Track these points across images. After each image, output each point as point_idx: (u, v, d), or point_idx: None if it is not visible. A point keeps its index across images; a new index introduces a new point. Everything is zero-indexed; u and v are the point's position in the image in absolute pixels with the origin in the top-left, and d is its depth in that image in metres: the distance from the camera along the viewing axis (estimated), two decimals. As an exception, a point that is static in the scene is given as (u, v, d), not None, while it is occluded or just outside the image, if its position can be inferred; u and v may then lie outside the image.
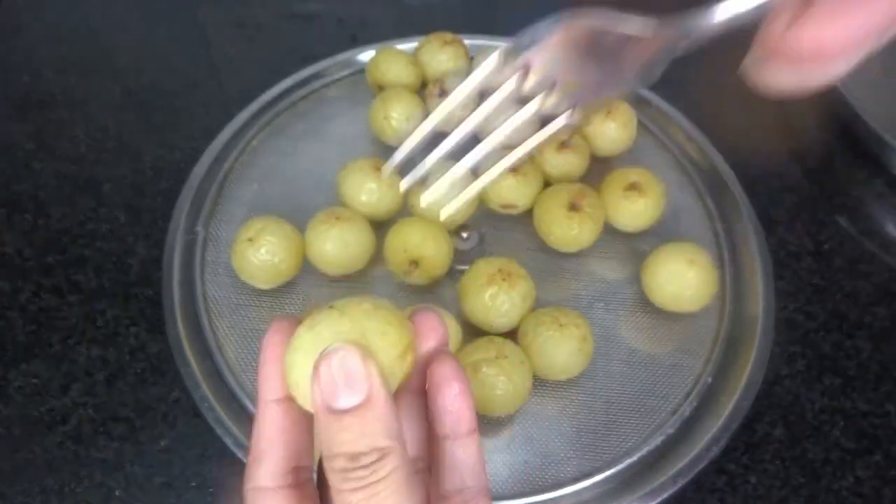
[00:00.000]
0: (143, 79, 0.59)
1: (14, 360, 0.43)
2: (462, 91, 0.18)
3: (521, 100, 0.19)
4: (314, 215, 0.44)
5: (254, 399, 0.41)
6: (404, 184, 0.19)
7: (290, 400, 0.22)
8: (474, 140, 0.19)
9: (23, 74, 0.59)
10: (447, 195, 0.20)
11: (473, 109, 0.18)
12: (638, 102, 0.55)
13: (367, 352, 0.20)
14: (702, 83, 0.60)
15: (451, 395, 0.22)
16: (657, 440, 0.40)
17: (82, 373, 0.43)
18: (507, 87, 0.18)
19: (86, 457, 0.40)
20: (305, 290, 0.46)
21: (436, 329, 0.23)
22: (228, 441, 0.39)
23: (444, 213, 0.23)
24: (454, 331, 0.41)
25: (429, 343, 0.23)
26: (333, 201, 0.47)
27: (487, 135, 0.19)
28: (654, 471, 0.39)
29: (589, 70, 0.18)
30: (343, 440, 0.19)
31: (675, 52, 0.18)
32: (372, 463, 0.19)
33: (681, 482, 0.39)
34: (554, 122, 0.20)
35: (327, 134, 0.54)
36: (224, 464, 0.40)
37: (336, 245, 0.43)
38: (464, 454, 0.22)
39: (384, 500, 0.19)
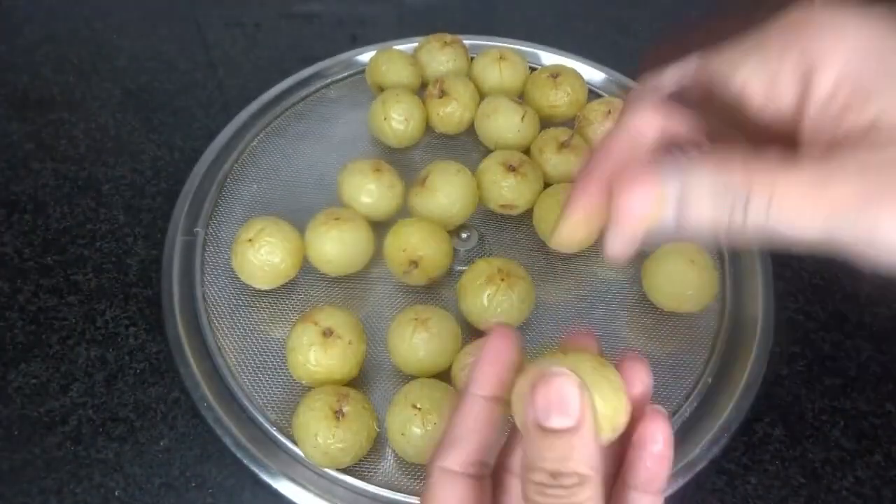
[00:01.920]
0: (143, 79, 0.59)
1: (14, 360, 0.43)
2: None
3: None
4: (314, 216, 0.44)
5: (254, 400, 0.41)
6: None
7: (495, 401, 0.23)
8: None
9: (22, 74, 0.59)
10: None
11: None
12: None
13: (584, 384, 0.21)
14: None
15: (656, 454, 0.22)
16: (657, 440, 0.40)
17: (82, 373, 0.43)
18: None
19: (85, 457, 0.40)
20: (305, 290, 0.46)
21: (643, 381, 0.24)
22: (228, 441, 0.39)
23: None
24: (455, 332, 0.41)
25: (634, 389, 0.24)
26: (333, 201, 0.47)
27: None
28: (655, 471, 0.39)
29: None
30: (547, 457, 0.20)
31: None
32: (571, 485, 0.20)
33: (681, 482, 0.39)
34: None
35: (327, 134, 0.54)
36: (224, 464, 0.40)
37: (336, 245, 0.43)
38: None
39: None
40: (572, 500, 0.20)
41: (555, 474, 0.20)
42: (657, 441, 0.22)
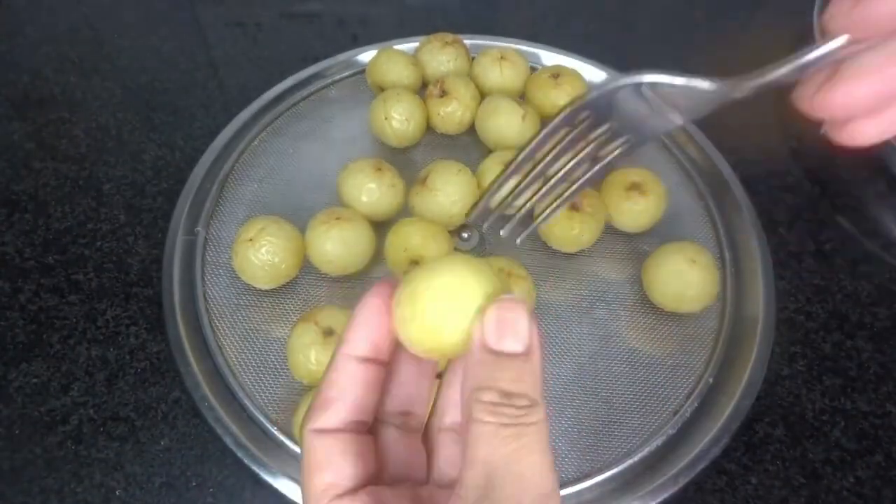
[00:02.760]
0: (143, 79, 0.59)
1: (14, 360, 0.43)
2: (534, 140, 0.20)
3: (576, 140, 0.20)
4: (314, 215, 0.44)
5: (255, 399, 0.41)
6: (503, 232, 0.21)
7: (369, 362, 0.23)
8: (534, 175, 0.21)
9: (23, 74, 0.59)
10: (520, 227, 0.21)
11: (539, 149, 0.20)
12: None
13: (531, 310, 0.21)
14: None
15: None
16: (658, 440, 0.40)
17: (82, 373, 0.43)
18: (565, 124, 0.20)
19: (86, 457, 0.40)
20: (305, 290, 0.46)
21: None
22: (228, 441, 0.39)
23: (519, 240, 0.24)
24: None
25: None
26: (333, 201, 0.47)
27: (545, 172, 0.21)
28: (655, 471, 0.39)
29: (642, 109, 0.20)
30: (499, 377, 0.20)
31: (725, 100, 0.20)
32: (524, 406, 0.19)
33: (681, 482, 0.39)
34: (611, 149, 0.21)
35: (328, 134, 0.54)
36: (225, 463, 0.40)
37: (336, 245, 0.43)
38: None
39: (529, 444, 0.19)
40: (527, 420, 0.19)
41: (507, 394, 0.19)
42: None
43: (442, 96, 0.51)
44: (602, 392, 0.42)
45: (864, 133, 0.20)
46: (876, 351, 0.45)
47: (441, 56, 0.54)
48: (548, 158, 0.21)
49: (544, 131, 0.20)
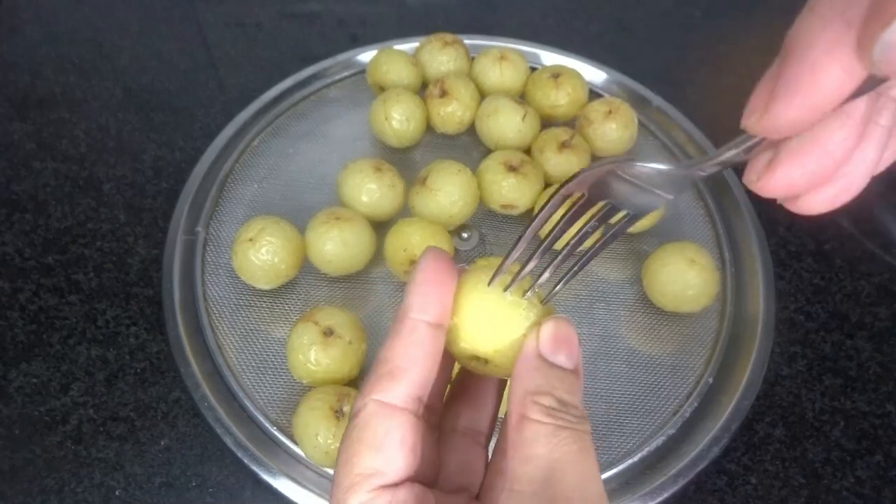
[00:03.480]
0: (143, 79, 0.59)
1: (14, 360, 0.43)
2: (533, 228, 0.23)
3: (576, 216, 0.23)
4: (314, 215, 0.44)
5: (255, 399, 0.41)
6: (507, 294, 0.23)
7: (440, 329, 0.22)
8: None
9: (23, 74, 0.59)
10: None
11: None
12: (639, 102, 0.55)
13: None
14: (702, 83, 0.60)
15: None
16: (658, 440, 0.40)
17: (82, 373, 0.43)
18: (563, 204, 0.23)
19: (86, 457, 0.40)
20: (305, 290, 0.46)
21: None
22: (228, 441, 0.39)
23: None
24: None
25: None
26: (333, 201, 0.47)
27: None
28: (655, 471, 0.39)
29: (630, 189, 0.22)
30: (555, 386, 0.20)
31: (694, 179, 0.22)
32: (577, 416, 0.20)
33: (681, 482, 0.39)
34: (615, 221, 0.24)
35: (328, 134, 0.54)
36: (224, 463, 0.40)
37: (336, 245, 0.43)
38: None
39: (585, 449, 0.20)
40: (579, 428, 0.20)
41: (563, 402, 0.20)
42: None
43: (442, 96, 0.51)
44: (602, 392, 0.42)
45: (814, 205, 0.20)
46: (875, 351, 0.45)
47: (441, 56, 0.54)
48: (554, 233, 0.23)
49: (543, 213, 0.22)
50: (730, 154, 0.21)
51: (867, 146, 0.19)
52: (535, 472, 0.19)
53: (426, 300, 0.21)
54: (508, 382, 0.27)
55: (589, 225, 0.23)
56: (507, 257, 0.22)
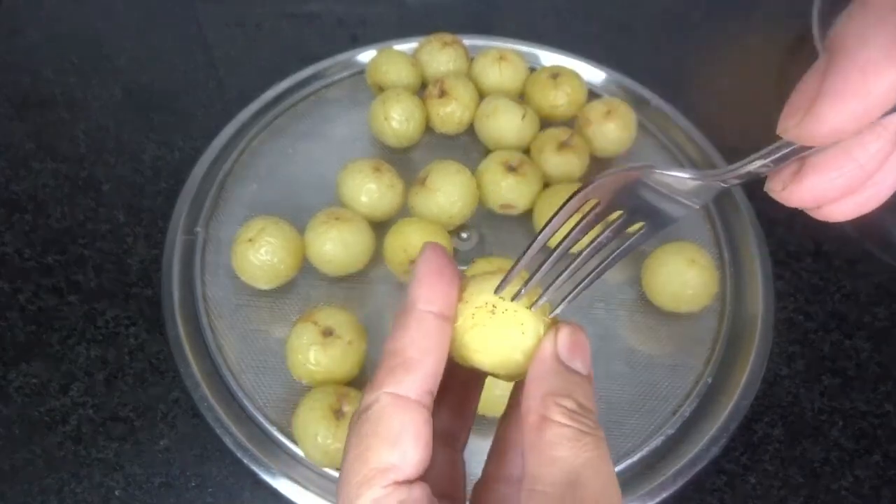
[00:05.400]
0: (143, 79, 0.59)
1: (14, 360, 0.43)
2: (546, 235, 0.22)
3: (589, 225, 0.22)
4: (314, 215, 0.44)
5: (254, 399, 0.41)
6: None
7: (447, 320, 0.21)
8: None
9: (23, 74, 0.59)
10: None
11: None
12: (638, 102, 0.55)
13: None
14: (702, 83, 0.60)
15: None
16: (657, 440, 0.40)
17: (82, 373, 0.43)
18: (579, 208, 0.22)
19: (85, 457, 0.40)
20: (305, 291, 0.46)
21: None
22: (228, 441, 0.39)
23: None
24: None
25: None
26: (333, 201, 0.47)
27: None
28: (654, 471, 0.39)
29: (653, 196, 0.21)
30: (574, 390, 0.20)
31: (717, 189, 0.21)
32: (595, 422, 0.20)
33: (680, 482, 0.39)
34: (630, 233, 0.23)
35: (327, 134, 0.54)
36: (224, 463, 0.40)
37: (336, 245, 0.43)
38: None
39: (603, 456, 0.20)
40: (598, 433, 0.20)
41: (584, 408, 0.20)
42: None
43: (441, 96, 0.51)
44: (601, 392, 0.42)
45: (840, 213, 0.20)
46: (874, 351, 0.45)
47: (440, 56, 0.54)
48: (565, 242, 0.22)
49: (557, 218, 0.21)
50: (756, 165, 0.19)
51: None
52: (558, 475, 0.19)
53: (432, 291, 0.21)
54: (490, 384, 0.27)
55: (604, 236, 0.22)
56: (516, 263, 0.22)
